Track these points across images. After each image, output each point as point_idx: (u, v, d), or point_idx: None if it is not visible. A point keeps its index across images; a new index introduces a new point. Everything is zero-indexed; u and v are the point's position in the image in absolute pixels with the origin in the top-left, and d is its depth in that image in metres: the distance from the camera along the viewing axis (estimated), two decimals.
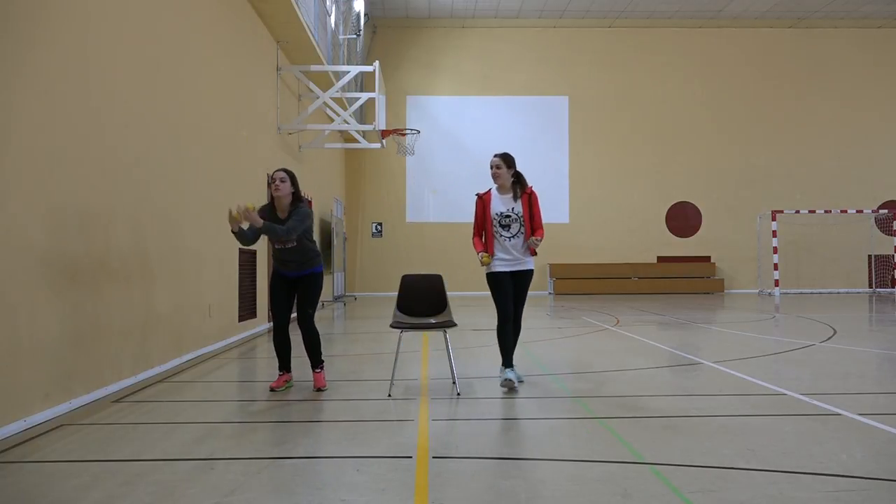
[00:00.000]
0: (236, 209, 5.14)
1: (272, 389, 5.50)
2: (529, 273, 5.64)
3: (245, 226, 5.34)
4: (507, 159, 5.67)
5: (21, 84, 4.32)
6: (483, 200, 5.72)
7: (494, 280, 5.61)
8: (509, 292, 5.57)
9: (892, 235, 20.58)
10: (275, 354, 5.68)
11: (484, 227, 5.68)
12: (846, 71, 22.36)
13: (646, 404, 4.97)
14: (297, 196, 5.57)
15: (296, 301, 5.63)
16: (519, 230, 5.58)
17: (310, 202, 14.35)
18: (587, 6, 21.05)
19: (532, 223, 5.60)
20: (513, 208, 5.60)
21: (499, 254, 5.57)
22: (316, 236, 15.16)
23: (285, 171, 5.56)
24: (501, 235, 5.58)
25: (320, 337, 5.64)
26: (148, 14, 6.42)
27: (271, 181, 5.50)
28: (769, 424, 4.35)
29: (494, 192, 5.71)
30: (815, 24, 22.20)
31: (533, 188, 5.73)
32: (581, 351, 8.23)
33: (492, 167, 5.68)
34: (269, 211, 5.55)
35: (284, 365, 5.63)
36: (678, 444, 3.85)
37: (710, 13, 21.65)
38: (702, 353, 7.92)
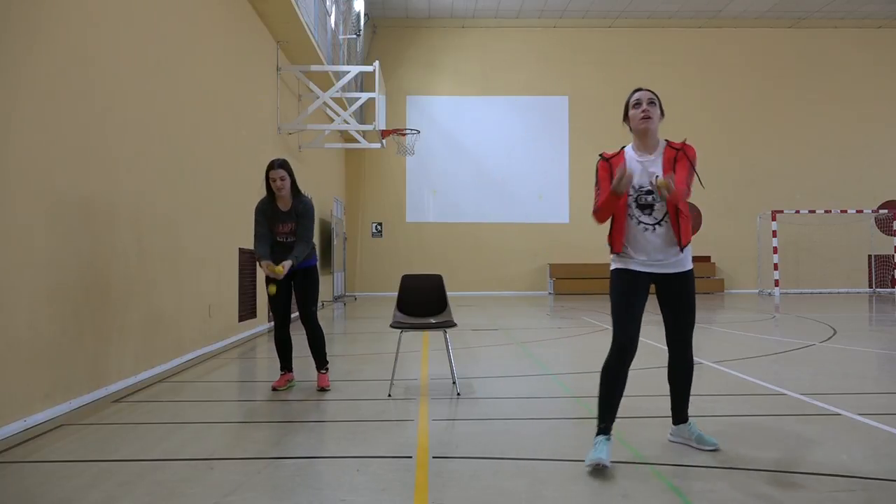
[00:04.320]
0: (270, 272, 5.23)
1: (274, 389, 5.50)
2: (687, 276, 3.76)
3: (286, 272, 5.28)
4: (657, 94, 3.74)
5: (22, 85, 4.32)
6: (611, 164, 3.70)
7: (622, 279, 3.75)
8: (640, 307, 3.74)
9: (892, 235, 20.59)
10: (276, 354, 5.68)
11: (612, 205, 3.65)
12: (846, 71, 22.36)
13: (646, 404, 4.97)
14: (296, 188, 5.49)
15: (296, 300, 5.60)
16: (666, 215, 3.64)
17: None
18: (587, 6, 21.06)
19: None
20: (657, 178, 3.55)
21: (631, 251, 3.72)
22: (316, 236, 15.18)
23: (282, 166, 5.39)
24: (640, 223, 3.66)
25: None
26: (148, 14, 6.42)
27: (270, 180, 5.39)
28: (769, 424, 4.35)
29: (630, 152, 3.74)
30: (814, 24, 22.20)
31: (687, 142, 3.80)
32: (581, 351, 8.23)
33: (640, 102, 3.66)
34: (268, 203, 5.45)
35: (286, 364, 5.62)
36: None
37: (710, 13, 21.65)
38: (702, 352, 7.92)
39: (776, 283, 20.34)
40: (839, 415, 4.46)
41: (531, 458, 3.64)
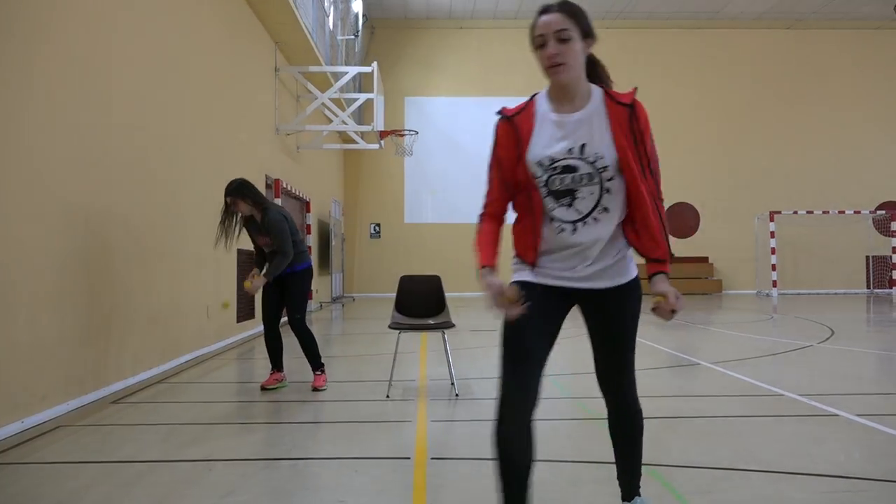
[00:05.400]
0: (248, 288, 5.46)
1: (263, 388, 5.54)
2: (623, 292, 2.37)
3: (259, 289, 5.53)
4: (575, 13, 2.25)
5: (21, 88, 4.31)
6: (513, 126, 2.28)
7: (517, 297, 2.18)
8: (541, 335, 2.37)
9: (889, 236, 20.61)
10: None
11: (510, 197, 2.33)
12: (843, 72, 22.39)
13: (644, 405, 4.93)
14: (258, 203, 5.43)
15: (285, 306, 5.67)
16: (600, 202, 2.22)
17: (307, 203, 14.35)
18: (585, 7, 20.98)
19: (642, 186, 2.21)
20: (583, 145, 2.20)
21: (545, 259, 2.31)
22: (314, 237, 15.19)
23: (229, 193, 5.36)
24: (554, 220, 2.25)
25: (316, 339, 5.64)
26: (146, 16, 6.41)
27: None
28: (767, 425, 4.35)
29: (543, 103, 2.29)
30: (812, 25, 22.24)
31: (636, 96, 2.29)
32: (579, 351, 8.19)
33: (546, 41, 2.18)
34: (249, 217, 5.52)
35: (276, 364, 5.65)
36: (676, 444, 3.86)
37: (708, 14, 21.68)
38: (700, 353, 7.92)
39: (774, 284, 20.35)
40: (837, 415, 4.46)
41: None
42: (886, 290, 20.80)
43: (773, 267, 20.46)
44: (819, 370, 6.51)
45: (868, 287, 21.72)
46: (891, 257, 20.26)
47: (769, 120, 22.31)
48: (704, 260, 22.01)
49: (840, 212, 21.08)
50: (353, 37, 19.01)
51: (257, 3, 10.07)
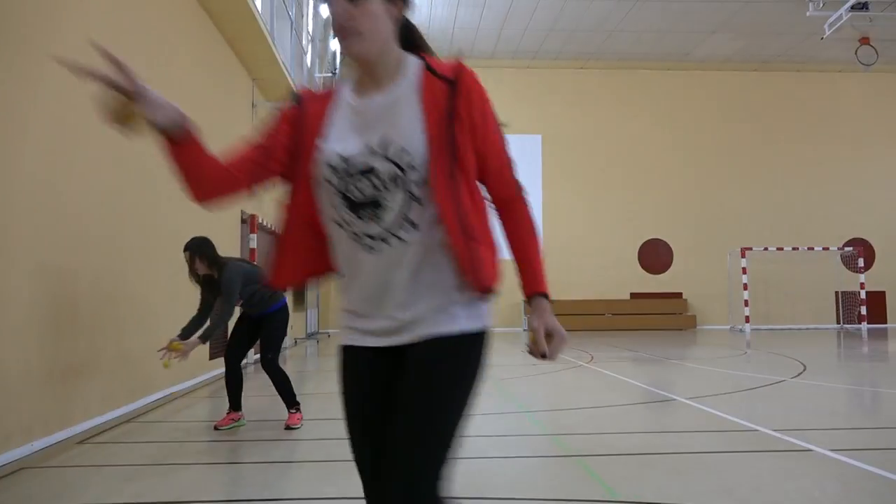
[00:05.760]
0: (170, 355, 5.11)
1: (216, 428, 5.42)
2: (441, 350, 1.59)
3: (189, 352, 5.21)
4: None
5: None
6: (300, 114, 1.72)
7: (344, 372, 1.77)
8: (375, 413, 1.77)
9: (857, 272, 21.01)
10: (238, 392, 5.60)
11: (254, 174, 1.82)
12: (809, 112, 23.08)
13: (620, 441, 4.96)
14: (213, 264, 5.32)
15: (259, 344, 5.62)
16: (404, 214, 1.57)
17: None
18: (559, 48, 21.55)
19: (461, 189, 1.58)
20: (383, 137, 1.58)
21: (349, 300, 1.70)
22: None
23: (186, 249, 5.31)
24: (355, 235, 1.61)
25: (289, 377, 5.56)
26: (122, 51, 6.41)
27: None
28: (743, 460, 4.36)
29: (346, 86, 1.71)
30: (778, 67, 22.96)
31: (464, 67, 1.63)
32: (555, 388, 8.22)
33: None
34: (208, 276, 5.43)
35: (234, 403, 5.54)
36: (653, 480, 3.84)
37: (678, 56, 22.29)
38: (675, 389, 7.95)
39: (747, 320, 20.55)
40: (811, 450, 4.49)
41: (506, 497, 3.60)
42: (855, 326, 21.12)
43: (746, 302, 20.69)
44: (792, 405, 6.56)
45: (838, 322, 22.05)
46: (858, 293, 20.62)
47: (739, 158, 22.83)
48: (678, 295, 22.23)
49: (809, 248, 21.47)
50: (330, 74, 19.18)
51: (235, 39, 10.13)
